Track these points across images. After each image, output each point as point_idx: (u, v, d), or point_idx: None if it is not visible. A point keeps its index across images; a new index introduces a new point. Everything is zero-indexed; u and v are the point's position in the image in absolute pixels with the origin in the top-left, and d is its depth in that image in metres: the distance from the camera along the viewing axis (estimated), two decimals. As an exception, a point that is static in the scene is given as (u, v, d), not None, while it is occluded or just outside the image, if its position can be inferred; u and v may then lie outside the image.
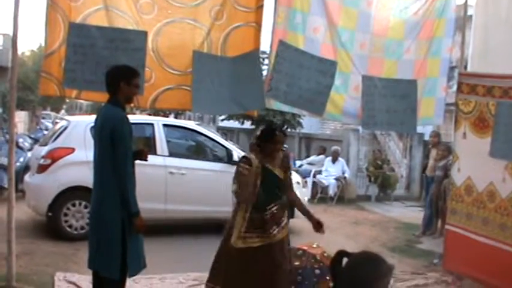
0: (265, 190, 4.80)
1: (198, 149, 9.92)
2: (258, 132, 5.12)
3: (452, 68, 7.38)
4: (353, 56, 6.64)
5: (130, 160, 4.45)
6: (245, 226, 4.76)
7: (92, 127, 7.63)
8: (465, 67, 7.72)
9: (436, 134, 11.11)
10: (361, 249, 2.79)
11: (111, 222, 4.36)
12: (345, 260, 2.67)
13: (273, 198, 4.86)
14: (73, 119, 9.62)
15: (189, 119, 24.86)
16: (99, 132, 4.48)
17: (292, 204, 5.22)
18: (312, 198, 13.38)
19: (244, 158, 4.96)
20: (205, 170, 9.10)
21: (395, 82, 6.86)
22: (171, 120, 11.87)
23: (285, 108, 6.69)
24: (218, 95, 6.03)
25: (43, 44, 5.82)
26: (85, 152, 7.90)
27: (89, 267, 4.62)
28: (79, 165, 8.10)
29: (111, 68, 4.60)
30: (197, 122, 13.13)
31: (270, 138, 4.91)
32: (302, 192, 10.04)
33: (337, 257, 2.71)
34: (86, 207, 8.13)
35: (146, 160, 4.79)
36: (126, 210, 4.34)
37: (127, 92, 4.52)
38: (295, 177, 10.04)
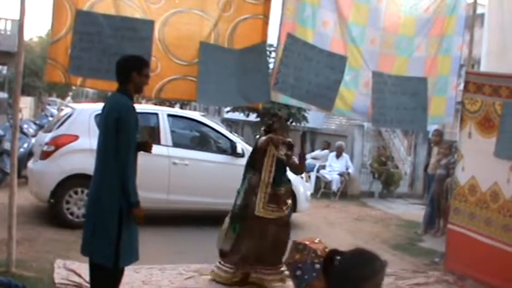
0: (278, 171, 6.04)
1: (202, 140, 9.89)
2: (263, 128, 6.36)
3: (461, 67, 7.31)
4: (363, 51, 6.60)
5: (134, 150, 4.42)
6: (267, 199, 5.97)
7: (97, 115, 7.66)
8: (472, 66, 7.64)
9: (438, 133, 11.09)
10: (360, 246, 2.76)
11: (108, 209, 4.32)
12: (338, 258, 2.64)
13: (282, 178, 6.14)
14: (78, 106, 9.60)
15: (195, 109, 24.83)
16: (104, 119, 4.46)
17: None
18: (315, 193, 13.35)
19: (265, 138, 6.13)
20: (208, 161, 9.08)
21: (405, 79, 6.81)
22: (176, 110, 11.84)
23: (292, 102, 6.66)
24: (224, 86, 6.01)
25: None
26: (89, 139, 7.88)
27: (82, 253, 4.59)
28: (82, 153, 8.08)
29: (122, 58, 4.58)
30: (202, 113, 13.09)
31: (268, 129, 6.20)
32: (305, 186, 10.03)
33: (328, 256, 2.68)
34: (88, 195, 8.10)
35: (150, 152, 4.76)
36: (125, 199, 4.31)
37: (138, 82, 4.50)
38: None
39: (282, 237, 6.07)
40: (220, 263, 6.14)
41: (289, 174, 9.31)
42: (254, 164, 6.18)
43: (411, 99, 6.84)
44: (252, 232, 5.98)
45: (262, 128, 6.41)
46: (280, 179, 6.08)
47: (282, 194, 6.08)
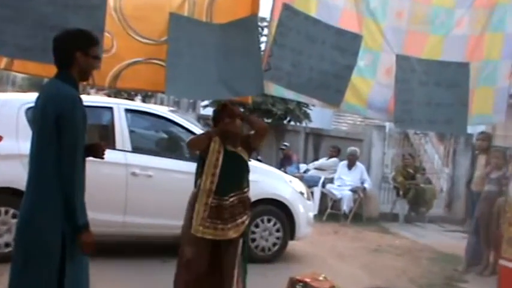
0: (227, 175, 5.98)
1: (172, 144, 9.96)
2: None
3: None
4: (385, 28, 6.59)
5: (81, 156, 4.43)
6: (207, 213, 5.91)
7: (29, 109, 7.65)
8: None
9: (485, 137, 11.01)
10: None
11: (47, 236, 4.30)
12: None
13: (235, 187, 6.05)
14: (1, 97, 9.59)
15: (161, 103, 24.84)
16: (40, 115, 4.44)
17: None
18: (320, 215, 13.41)
19: (208, 131, 6.34)
20: (179, 171, 9.04)
21: (440, 65, 6.81)
22: (136, 104, 11.87)
23: (289, 95, 6.67)
24: (201, 73, 6.00)
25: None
26: (17, 142, 7.89)
27: None
28: (8, 160, 8.08)
29: (62, 33, 4.57)
30: (172, 108, 13.13)
31: (218, 113, 6.26)
32: (306, 206, 10.06)
33: None
34: (14, 216, 8.06)
35: (102, 158, 4.79)
36: (70, 221, 4.31)
37: (84, 65, 4.51)
38: (298, 186, 10.10)
39: (227, 268, 6.02)
40: None
41: (272, 183, 9.43)
42: (201, 167, 6.25)
43: (447, 91, 6.84)
44: (190, 260, 5.99)
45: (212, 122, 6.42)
46: (229, 185, 6.03)
47: (228, 206, 5.98)
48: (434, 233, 13.92)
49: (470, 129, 7.83)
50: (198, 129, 9.69)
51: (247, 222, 6.11)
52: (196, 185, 6.24)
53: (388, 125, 14.59)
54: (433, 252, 11.50)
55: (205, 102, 20.66)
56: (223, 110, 6.26)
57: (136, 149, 9.05)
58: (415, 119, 6.81)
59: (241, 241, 6.09)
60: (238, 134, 6.15)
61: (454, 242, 12.48)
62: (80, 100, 4.47)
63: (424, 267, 10.28)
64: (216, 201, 5.91)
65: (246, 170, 6.17)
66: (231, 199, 5.97)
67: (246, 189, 6.13)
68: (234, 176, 6.08)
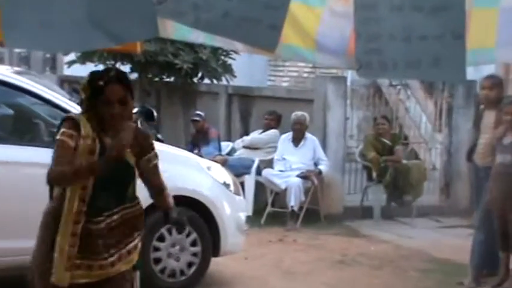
0: (104, 186, 5.52)
1: (22, 123, 9.92)
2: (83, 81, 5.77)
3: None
4: None
5: None
6: (76, 248, 5.44)
7: None
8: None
9: (493, 83, 10.95)
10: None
11: None
12: None
13: (115, 199, 5.64)
14: None
15: (1, 62, 24.56)
16: None
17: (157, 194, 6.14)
18: (257, 215, 13.40)
19: (67, 120, 5.59)
20: (37, 164, 8.76)
21: None
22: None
23: (199, 38, 6.62)
24: (60, 11, 5.88)
25: None
26: None
27: None
28: None
29: None
30: (18, 69, 12.89)
31: (97, 90, 5.57)
32: (235, 203, 10.10)
33: None
34: None
35: None
36: None
37: None
38: (220, 175, 10.02)
39: None
40: None
41: (181, 173, 9.77)
42: None
43: (433, 18, 6.78)
44: None
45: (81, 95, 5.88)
46: (107, 199, 5.64)
47: (107, 228, 5.61)
48: (427, 232, 14.14)
49: (470, 74, 7.70)
50: (62, 99, 9.48)
51: (139, 245, 5.86)
52: (53, 195, 5.76)
53: (350, 74, 14.62)
54: (425, 260, 11.68)
55: (71, 57, 20.25)
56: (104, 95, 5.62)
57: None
58: (388, 62, 6.72)
59: (137, 274, 6.00)
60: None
61: (455, 242, 12.67)
62: None
63: (413, 282, 10.42)
64: (88, 226, 5.51)
65: (133, 176, 5.80)
66: (114, 216, 5.60)
67: (135, 201, 5.81)
68: (116, 186, 5.68)
